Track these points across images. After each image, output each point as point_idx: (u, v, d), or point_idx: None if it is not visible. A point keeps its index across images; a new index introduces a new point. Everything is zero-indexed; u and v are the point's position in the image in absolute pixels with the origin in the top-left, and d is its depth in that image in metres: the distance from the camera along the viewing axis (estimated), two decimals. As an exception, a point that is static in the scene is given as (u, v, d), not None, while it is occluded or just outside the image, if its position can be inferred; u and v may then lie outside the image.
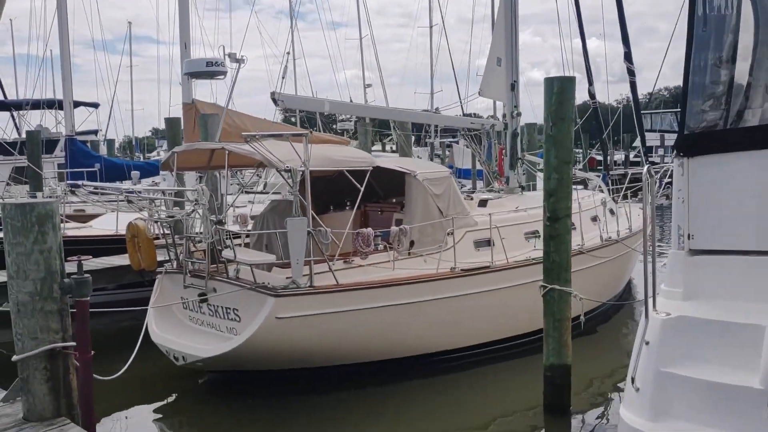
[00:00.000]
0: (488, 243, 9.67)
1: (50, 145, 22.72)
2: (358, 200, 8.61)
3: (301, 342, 7.85)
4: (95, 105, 26.81)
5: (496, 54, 12.06)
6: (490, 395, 8.27)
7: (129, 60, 46.49)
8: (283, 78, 28.73)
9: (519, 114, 12.48)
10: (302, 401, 7.98)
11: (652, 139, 40.86)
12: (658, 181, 14.65)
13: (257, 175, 15.84)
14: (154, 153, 59.00)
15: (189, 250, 8.68)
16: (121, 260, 10.69)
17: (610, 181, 14.06)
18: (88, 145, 24.13)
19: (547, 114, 6.97)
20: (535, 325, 9.78)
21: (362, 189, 8.54)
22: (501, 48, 12.05)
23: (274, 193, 15.57)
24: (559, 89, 6.90)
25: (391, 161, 9.68)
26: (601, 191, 13.57)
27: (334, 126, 36.91)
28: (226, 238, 8.03)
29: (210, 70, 9.61)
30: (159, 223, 8.80)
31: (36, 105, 24.91)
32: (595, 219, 11.34)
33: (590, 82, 13.72)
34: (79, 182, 8.28)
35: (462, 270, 8.76)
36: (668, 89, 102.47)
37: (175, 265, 8.91)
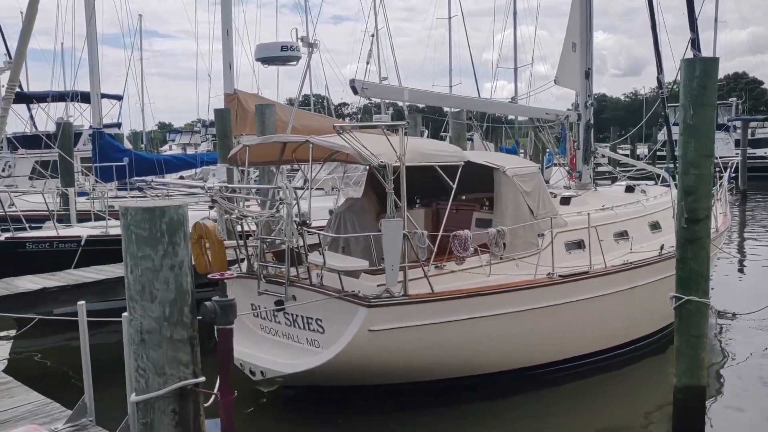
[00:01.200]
0: (579, 245, 8.88)
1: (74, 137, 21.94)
2: (450, 198, 7.80)
3: (394, 356, 7.07)
4: (118, 97, 26.07)
5: (572, 39, 11.20)
6: (596, 412, 7.48)
7: (140, 53, 45.72)
8: (367, 63, 27.50)
9: (593, 104, 11.64)
10: (388, 419, 7.21)
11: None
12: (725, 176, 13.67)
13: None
14: (166, 147, 58.29)
15: (263, 254, 7.89)
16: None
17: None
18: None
19: (686, 100, 6.12)
20: (631, 335, 9.01)
21: (454, 187, 7.73)
22: (576, 32, 11.19)
23: (317, 188, 14.77)
24: (702, 72, 6.04)
25: (474, 155, 8.84)
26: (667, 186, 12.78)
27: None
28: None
29: (285, 55, 8.80)
30: (232, 223, 8.00)
31: (59, 97, 24.14)
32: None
33: (659, 70, 12.89)
34: (149, 178, 7.48)
35: (560, 276, 7.94)
36: (676, 82, 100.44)
37: (245, 269, 8.13)
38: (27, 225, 11.59)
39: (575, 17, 11.17)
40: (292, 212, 7.00)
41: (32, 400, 4.60)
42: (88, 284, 9.02)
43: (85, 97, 24.94)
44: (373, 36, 29.06)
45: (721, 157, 22.79)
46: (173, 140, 62.82)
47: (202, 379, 3.70)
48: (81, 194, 17.19)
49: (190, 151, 44.53)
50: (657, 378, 8.19)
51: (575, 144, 11.55)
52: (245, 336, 8.10)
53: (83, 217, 14.52)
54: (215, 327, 3.98)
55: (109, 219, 12.31)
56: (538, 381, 7.92)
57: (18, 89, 26.39)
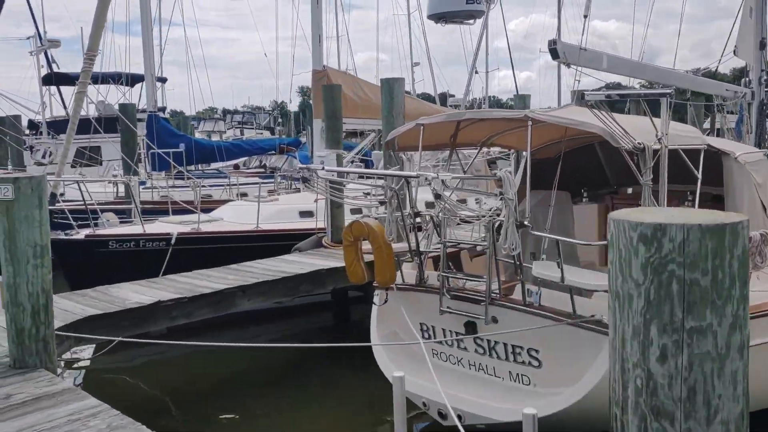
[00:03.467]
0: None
1: (113, 123, 20.35)
2: (698, 191, 6.08)
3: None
4: (163, 80, 24.44)
5: (749, 3, 9.44)
6: None
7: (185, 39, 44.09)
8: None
9: (768, 81, 9.87)
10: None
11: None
12: None
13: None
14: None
15: (446, 261, 6.21)
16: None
17: None
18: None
19: None
20: None
21: (699, 176, 6.01)
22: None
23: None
24: None
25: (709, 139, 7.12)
26: None
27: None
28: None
29: (469, 9, 7.09)
30: (406, 224, 6.33)
31: (102, 79, 22.54)
32: None
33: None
34: (320, 166, 5.91)
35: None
36: (699, 70, 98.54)
37: (414, 280, 6.48)
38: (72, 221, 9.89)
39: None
40: (513, 211, 5.34)
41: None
42: (206, 295, 7.39)
43: (128, 80, 23.39)
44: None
45: None
46: (196, 127, 61.32)
47: None
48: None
49: (214, 138, 43.05)
50: None
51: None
52: (415, 363, 6.48)
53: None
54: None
55: (196, 211, 10.70)
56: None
57: (57, 70, 24.86)
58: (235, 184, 16.73)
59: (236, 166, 21.42)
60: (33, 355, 4.90)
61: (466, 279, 6.11)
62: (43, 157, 21.13)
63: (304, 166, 5.99)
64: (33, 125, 21.60)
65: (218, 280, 8.08)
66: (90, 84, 10.19)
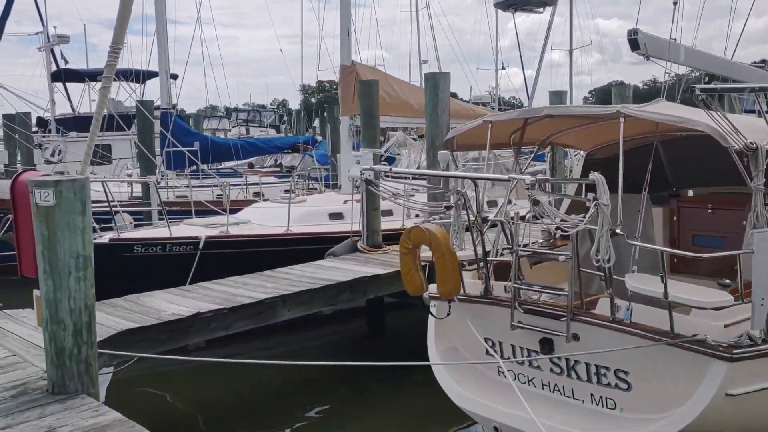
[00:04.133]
0: None
1: (125, 120, 19.79)
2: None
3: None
4: (174, 76, 23.84)
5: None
6: None
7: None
8: None
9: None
10: None
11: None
12: None
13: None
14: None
15: (518, 270, 5.66)
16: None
17: None
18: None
19: None
20: None
21: None
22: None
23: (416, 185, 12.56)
24: None
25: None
26: None
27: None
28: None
29: None
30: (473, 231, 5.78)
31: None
32: None
33: None
34: (380, 167, 5.41)
35: None
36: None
37: (482, 290, 5.94)
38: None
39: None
40: (608, 218, 4.79)
41: None
42: (247, 306, 6.85)
43: (138, 76, 22.83)
44: None
45: None
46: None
47: None
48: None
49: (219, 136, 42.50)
50: None
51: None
52: (480, 382, 5.97)
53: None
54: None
55: (222, 212, 10.13)
56: None
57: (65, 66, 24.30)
58: (257, 183, 16.21)
59: (251, 165, 20.87)
60: (74, 378, 4.36)
61: (543, 291, 5.56)
62: (52, 155, 20.60)
63: (370, 167, 5.43)
64: (42, 122, 21.05)
65: (256, 288, 7.54)
66: (115, 80, 9.62)
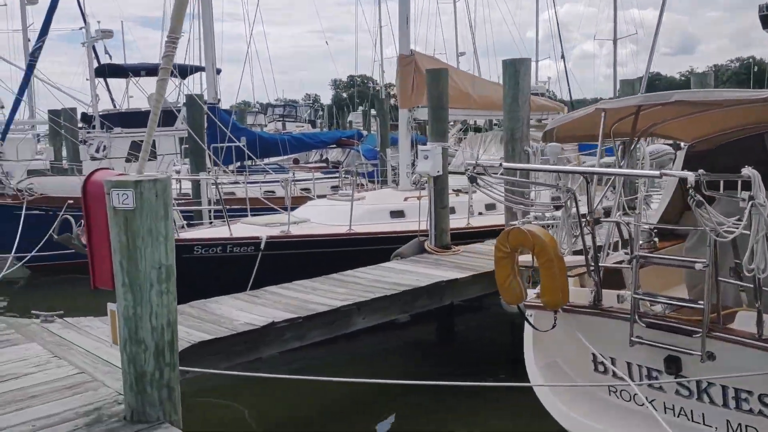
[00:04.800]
0: None
1: (168, 116, 19.47)
2: None
3: None
4: (217, 71, 23.51)
5: None
6: None
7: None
8: None
9: None
10: None
11: None
12: None
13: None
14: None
15: (637, 278, 5.01)
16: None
17: None
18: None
19: None
20: None
21: None
22: None
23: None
24: None
25: None
26: None
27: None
28: None
29: None
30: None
31: (154, 71, 21.69)
32: None
33: None
34: (496, 161, 4.82)
35: None
36: (739, 59, 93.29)
37: (592, 300, 5.31)
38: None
39: None
40: (765, 221, 4.12)
41: None
42: (322, 314, 6.31)
43: (181, 71, 22.52)
44: None
45: None
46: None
47: None
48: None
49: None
50: None
51: None
52: (586, 401, 5.35)
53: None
54: None
55: (280, 211, 9.62)
56: None
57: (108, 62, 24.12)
58: (321, 179, 15.84)
59: (295, 161, 20.41)
60: (156, 406, 3.85)
61: (671, 303, 4.91)
62: (97, 150, 20.38)
63: (474, 162, 4.82)
64: (86, 118, 20.85)
65: (327, 293, 7.00)
66: (172, 71, 9.15)
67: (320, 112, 62.28)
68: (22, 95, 15.32)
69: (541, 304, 5.42)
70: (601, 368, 5.41)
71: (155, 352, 3.82)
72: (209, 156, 15.65)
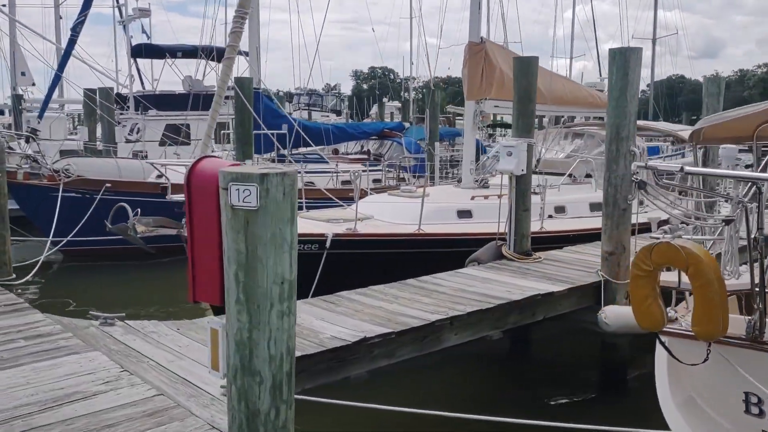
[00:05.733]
0: None
1: (204, 100, 18.76)
2: None
3: None
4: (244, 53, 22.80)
5: None
6: None
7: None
8: None
9: None
10: None
11: None
12: None
13: None
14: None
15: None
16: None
17: None
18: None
19: None
20: None
21: None
22: None
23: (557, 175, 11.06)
24: None
25: None
26: None
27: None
28: None
29: None
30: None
31: (191, 53, 21.01)
32: None
33: None
34: (676, 165, 4.11)
35: None
36: (767, 65, 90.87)
37: (751, 330, 4.52)
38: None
39: None
40: None
41: None
42: (415, 329, 5.55)
43: (219, 54, 21.82)
44: None
45: None
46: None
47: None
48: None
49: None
50: None
51: None
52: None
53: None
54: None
55: (343, 206, 8.86)
56: None
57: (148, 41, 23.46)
58: (376, 170, 15.20)
59: (335, 151, 19.64)
60: (269, 451, 3.11)
61: None
62: (130, 132, 19.74)
63: (641, 164, 4.02)
64: (121, 98, 20.20)
65: (412, 303, 6.24)
66: (238, 52, 8.42)
67: (345, 102, 61.58)
68: (62, 71, 14.66)
69: (683, 331, 4.66)
70: (755, 410, 4.62)
71: (272, 386, 3.07)
72: (275, 144, 15.01)
